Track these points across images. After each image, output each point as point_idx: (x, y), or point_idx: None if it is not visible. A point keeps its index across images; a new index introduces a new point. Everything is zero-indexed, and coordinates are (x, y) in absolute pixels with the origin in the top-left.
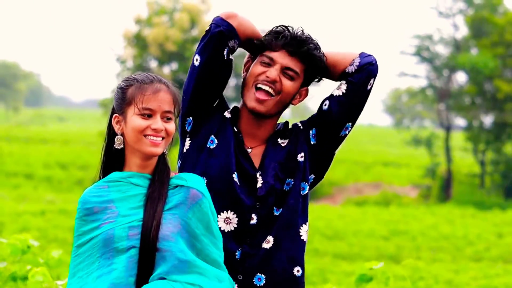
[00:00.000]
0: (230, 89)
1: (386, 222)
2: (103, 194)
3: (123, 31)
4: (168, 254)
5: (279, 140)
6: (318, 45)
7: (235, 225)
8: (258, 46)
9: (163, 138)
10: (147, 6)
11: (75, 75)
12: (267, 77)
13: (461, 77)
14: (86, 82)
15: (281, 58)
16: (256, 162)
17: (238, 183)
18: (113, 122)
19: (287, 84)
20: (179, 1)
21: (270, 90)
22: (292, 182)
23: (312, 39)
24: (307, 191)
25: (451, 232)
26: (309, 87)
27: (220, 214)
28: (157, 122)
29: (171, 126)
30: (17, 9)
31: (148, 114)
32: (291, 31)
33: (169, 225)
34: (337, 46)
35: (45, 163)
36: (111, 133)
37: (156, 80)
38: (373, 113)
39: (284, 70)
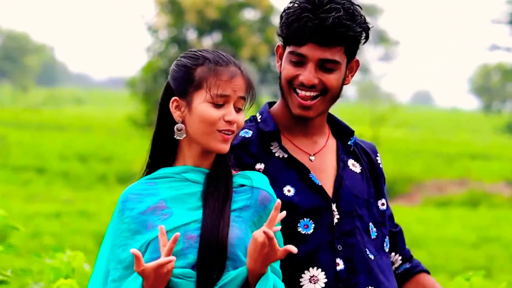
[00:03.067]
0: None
1: (475, 227)
2: (151, 193)
3: None
4: (237, 264)
5: (350, 162)
6: (351, 12)
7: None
8: (282, 37)
9: (233, 132)
10: None
11: (95, 49)
12: (303, 83)
13: None
14: (109, 58)
15: (311, 52)
16: (324, 183)
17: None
18: (171, 107)
19: (330, 79)
20: None
21: (311, 94)
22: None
23: (341, 12)
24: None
25: None
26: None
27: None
28: (231, 113)
29: (242, 118)
30: None
31: (220, 104)
32: (312, 16)
33: (236, 230)
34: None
35: (61, 155)
36: (163, 119)
37: (231, 62)
38: (457, 95)
39: (321, 64)
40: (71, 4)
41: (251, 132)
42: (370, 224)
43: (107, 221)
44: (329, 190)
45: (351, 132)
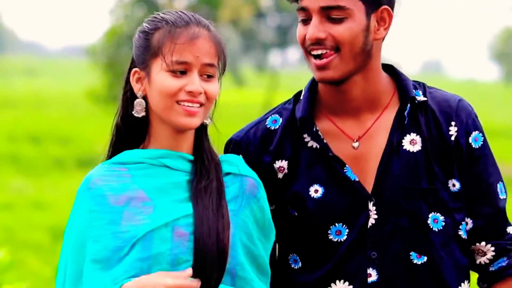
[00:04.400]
0: (270, 31)
1: None
2: (123, 180)
3: None
4: (230, 268)
5: (408, 139)
6: None
7: None
8: None
9: (201, 104)
10: None
11: (49, 14)
12: (309, 38)
13: None
14: (64, 24)
15: (312, 2)
16: (364, 176)
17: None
18: (132, 80)
19: (339, 30)
20: None
21: (322, 51)
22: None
23: None
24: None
25: None
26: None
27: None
28: (193, 82)
29: (213, 87)
30: None
31: (181, 71)
32: None
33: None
34: None
35: (10, 136)
36: (128, 95)
37: (193, 22)
38: (473, 63)
39: (326, 14)
40: None
41: (280, 119)
42: (433, 214)
43: (65, 213)
44: (369, 185)
45: (408, 97)
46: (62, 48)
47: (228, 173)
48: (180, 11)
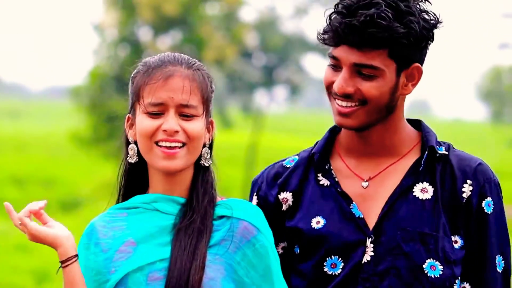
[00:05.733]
0: (257, 71)
1: None
2: (119, 225)
3: None
4: None
5: (419, 187)
6: (397, 8)
7: None
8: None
9: (183, 144)
10: None
11: (31, 56)
12: (336, 91)
13: None
14: (47, 65)
15: (345, 55)
16: (368, 214)
17: None
18: (126, 125)
19: (368, 87)
20: None
21: (348, 104)
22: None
23: (381, 8)
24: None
25: None
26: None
27: None
28: (167, 121)
29: (193, 125)
30: None
31: (157, 112)
32: (346, 13)
33: (207, 270)
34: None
35: None
36: (125, 141)
37: (169, 61)
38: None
39: (357, 69)
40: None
41: (297, 158)
42: (431, 261)
43: (49, 256)
44: (372, 223)
45: (428, 147)
46: (45, 89)
47: (221, 216)
48: (165, 53)
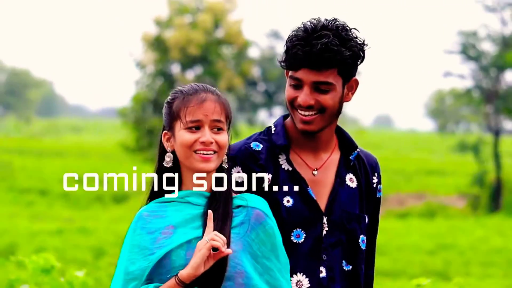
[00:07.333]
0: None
1: (432, 235)
2: (160, 214)
3: (142, 33)
4: (233, 276)
5: (348, 177)
6: (342, 37)
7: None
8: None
9: (214, 151)
10: (168, 5)
11: (90, 82)
12: (300, 104)
13: (510, 77)
14: (102, 90)
15: (306, 76)
16: (320, 197)
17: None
18: (164, 140)
19: (326, 99)
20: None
21: (310, 113)
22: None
23: (330, 38)
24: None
25: (503, 245)
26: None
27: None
28: (205, 135)
29: (222, 138)
30: (28, 12)
31: (195, 127)
32: (304, 43)
33: (231, 245)
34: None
35: (61, 178)
36: (161, 152)
37: (201, 90)
38: (414, 118)
39: (315, 86)
40: (68, 43)
41: (261, 145)
42: (362, 236)
43: (103, 237)
44: (323, 204)
45: (354, 147)
46: (101, 109)
47: (238, 206)
48: (194, 83)
